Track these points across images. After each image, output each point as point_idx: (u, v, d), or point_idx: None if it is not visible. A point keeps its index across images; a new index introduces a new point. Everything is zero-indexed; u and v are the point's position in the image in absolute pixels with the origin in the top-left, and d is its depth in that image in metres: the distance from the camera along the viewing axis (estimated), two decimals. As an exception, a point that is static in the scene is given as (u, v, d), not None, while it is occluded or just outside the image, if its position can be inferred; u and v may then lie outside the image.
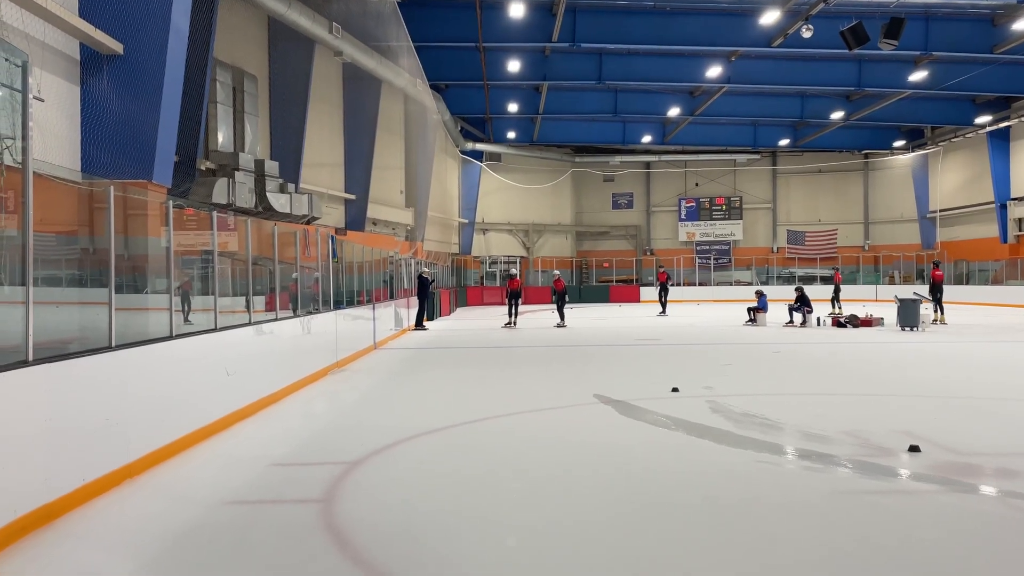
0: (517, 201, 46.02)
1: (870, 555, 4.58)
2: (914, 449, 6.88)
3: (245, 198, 18.04)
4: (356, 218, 27.73)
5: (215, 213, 8.87)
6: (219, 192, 17.15)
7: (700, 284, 45.32)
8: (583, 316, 29.45)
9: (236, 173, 18.06)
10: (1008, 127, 36.85)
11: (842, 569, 4.38)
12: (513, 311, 23.90)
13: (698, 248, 48.80)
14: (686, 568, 4.41)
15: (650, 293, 38.66)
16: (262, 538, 5.00)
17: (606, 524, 5.20)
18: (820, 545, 4.76)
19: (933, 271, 24.08)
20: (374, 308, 17.71)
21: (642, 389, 10.78)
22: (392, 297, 21.31)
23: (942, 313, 23.28)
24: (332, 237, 15.35)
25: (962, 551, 4.64)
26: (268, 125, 22.55)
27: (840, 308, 24.11)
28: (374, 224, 29.85)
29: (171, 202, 7.83)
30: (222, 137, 18.79)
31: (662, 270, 31.61)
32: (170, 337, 7.37)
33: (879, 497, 5.72)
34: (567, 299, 24.60)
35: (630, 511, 5.46)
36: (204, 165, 18.11)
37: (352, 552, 4.68)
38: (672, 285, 31.73)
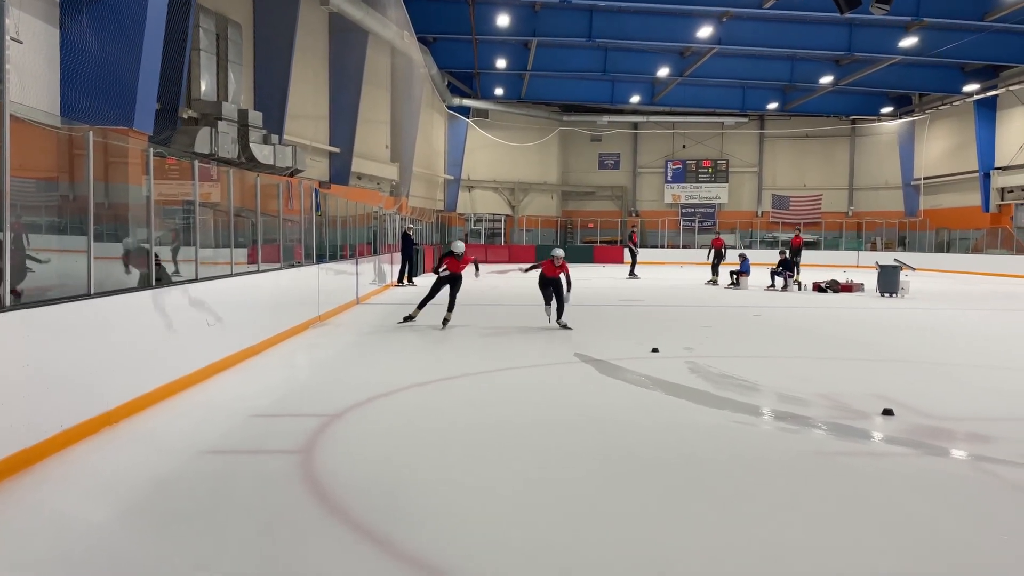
0: (503, 159, 45.71)
1: (841, 512, 4.67)
2: (888, 412, 6.98)
3: (228, 148, 17.80)
4: (340, 172, 27.47)
5: (197, 162, 8.77)
6: (201, 141, 16.90)
7: (684, 247, 45.38)
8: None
9: (219, 123, 17.77)
10: (995, 96, 36.83)
11: (815, 524, 4.47)
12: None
13: (683, 210, 48.77)
14: (661, 520, 4.49)
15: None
16: (240, 487, 5.03)
17: (584, 478, 5.26)
18: (794, 501, 4.84)
19: (794, 238, 24.07)
20: (357, 263, 17.64)
21: (623, 349, 10.85)
22: (376, 252, 21.23)
23: (797, 274, 23.43)
24: (316, 190, 15.23)
25: (931, 511, 4.74)
26: (252, 75, 22.17)
27: (797, 274, 23.28)
28: (359, 178, 29.59)
29: (152, 150, 7.71)
30: (205, 85, 18.46)
31: (634, 231, 31.66)
32: (150, 286, 7.32)
33: (851, 458, 5.83)
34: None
35: (608, 467, 5.53)
36: (186, 113, 17.82)
37: (331, 503, 4.72)
38: (640, 248, 31.44)
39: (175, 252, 12.04)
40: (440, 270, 13.30)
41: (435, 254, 33.29)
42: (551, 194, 48.52)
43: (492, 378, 8.81)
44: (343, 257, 16.86)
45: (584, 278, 28.32)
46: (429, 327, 13.11)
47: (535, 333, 12.73)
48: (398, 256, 23.53)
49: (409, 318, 13.60)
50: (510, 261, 40.03)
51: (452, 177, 42.97)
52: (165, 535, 4.28)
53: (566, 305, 13.27)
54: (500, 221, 45.78)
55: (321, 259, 14.58)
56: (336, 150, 27.33)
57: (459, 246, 13.13)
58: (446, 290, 13.34)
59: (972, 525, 4.55)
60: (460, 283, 13.39)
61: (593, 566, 3.92)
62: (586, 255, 42.71)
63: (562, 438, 6.29)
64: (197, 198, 8.68)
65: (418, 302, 13.82)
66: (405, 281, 23.19)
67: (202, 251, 8.76)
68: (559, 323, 13.11)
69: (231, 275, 9.59)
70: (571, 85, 40.73)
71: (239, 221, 11.06)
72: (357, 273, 17.41)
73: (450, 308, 13.16)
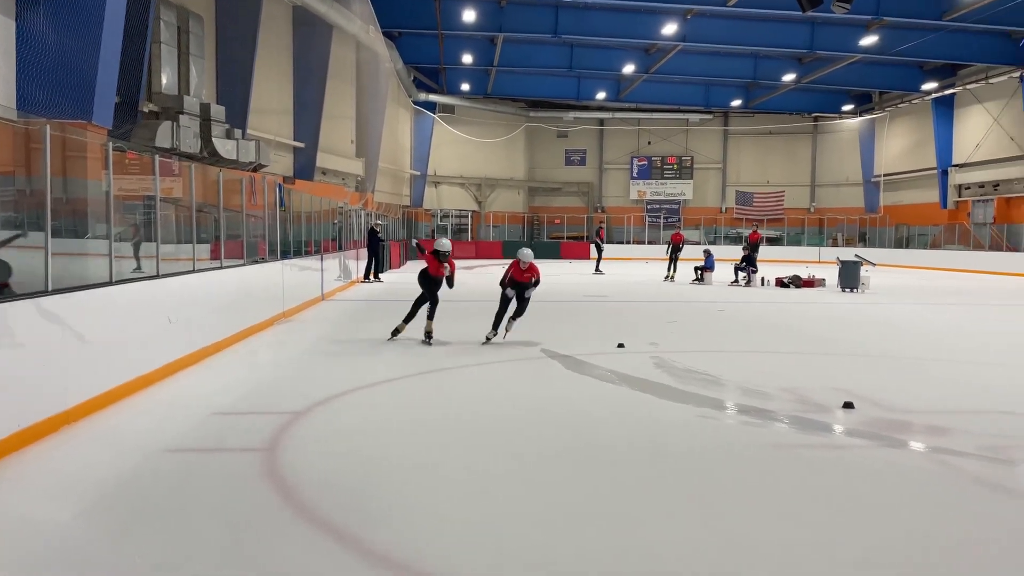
0: (470, 154, 45.63)
1: (804, 504, 4.74)
2: (848, 406, 7.10)
3: (190, 143, 17.55)
4: (305, 167, 27.23)
5: (157, 157, 8.63)
6: (163, 136, 16.65)
7: (650, 242, 45.67)
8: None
9: (180, 117, 17.51)
10: (953, 94, 37.56)
11: (780, 515, 4.53)
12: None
13: (648, 207, 49.09)
14: (634, 514, 4.52)
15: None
16: (203, 486, 4.97)
17: (551, 472, 5.28)
18: (759, 494, 4.91)
19: (751, 234, 24.37)
20: (322, 259, 17.51)
21: (589, 345, 10.90)
22: (341, 248, 21.08)
23: (754, 271, 23.36)
24: (280, 185, 15.08)
25: (891, 502, 4.83)
26: (215, 68, 21.87)
27: (752, 270, 23.23)
28: (323, 174, 29.35)
29: (111, 144, 7.58)
30: (166, 79, 18.17)
31: (600, 227, 31.79)
32: (110, 283, 7.20)
33: (813, 451, 5.91)
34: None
35: (574, 460, 5.55)
36: (147, 107, 17.53)
37: (296, 502, 4.69)
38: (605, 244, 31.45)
39: (136, 248, 11.84)
40: (423, 273, 11.32)
41: (401, 250, 33.13)
42: (518, 190, 48.56)
43: (459, 374, 8.80)
44: (308, 253, 16.72)
45: (551, 274, 28.36)
46: (397, 319, 13.04)
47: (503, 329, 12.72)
48: (364, 252, 23.39)
49: (396, 332, 11.28)
50: (477, 257, 40.02)
51: (418, 173, 42.81)
52: (125, 535, 4.22)
53: (521, 316, 11.39)
54: (467, 217, 45.72)
55: (285, 255, 14.44)
56: (300, 145, 27.08)
57: (445, 244, 11.08)
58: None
59: (931, 516, 4.64)
60: (439, 288, 11.22)
61: (566, 559, 3.94)
62: (552, 251, 42.83)
63: (531, 433, 6.30)
64: (158, 193, 8.55)
65: (406, 314, 11.37)
66: (372, 277, 23.06)
67: (164, 247, 8.63)
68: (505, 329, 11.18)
69: (193, 271, 9.46)
70: (537, 81, 40.81)
71: (201, 217, 10.91)
72: (322, 269, 17.28)
73: (430, 316, 11.08)
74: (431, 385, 8.24)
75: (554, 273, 28.90)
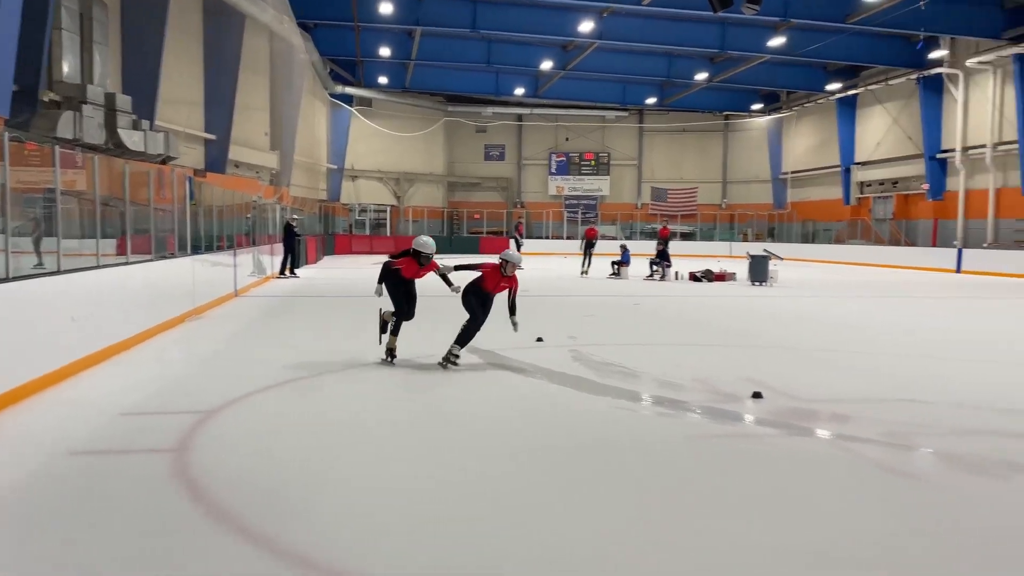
0: (388, 149, 45.19)
1: (717, 491, 4.88)
2: (757, 395, 7.34)
3: (94, 134, 16.85)
4: (216, 160, 26.49)
5: (58, 148, 8.27)
6: (64, 126, 15.94)
7: (568, 237, 46.14)
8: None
9: (84, 106, 16.80)
10: (855, 95, 39.14)
11: (695, 503, 4.65)
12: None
13: (567, 202, 49.60)
14: (553, 505, 4.57)
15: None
16: (110, 489, 4.80)
17: (469, 470, 5.29)
18: (673, 482, 5.03)
19: (661, 230, 25.06)
20: (235, 254, 17.08)
21: (508, 339, 10.92)
22: (255, 243, 20.61)
23: (668, 265, 23.78)
24: (189, 178, 14.65)
25: (798, 486, 5.01)
26: (120, 57, 21.06)
27: (667, 264, 23.59)
28: (236, 167, 28.62)
29: (8, 134, 7.22)
30: (68, 67, 17.40)
31: (519, 222, 31.98)
32: (6, 279, 6.87)
33: (725, 440, 6.09)
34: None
35: (493, 456, 5.58)
36: (47, 96, 16.76)
37: (206, 503, 4.57)
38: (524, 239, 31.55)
39: (36, 243, 11.32)
40: (391, 277, 9.08)
41: (319, 246, 32.59)
42: (437, 185, 48.38)
43: (375, 372, 8.72)
44: (220, 248, 16.28)
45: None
46: (313, 315, 12.82)
47: (423, 323, 12.64)
48: (280, 247, 22.92)
49: (390, 353, 9.09)
50: (396, 252, 39.60)
51: (335, 166, 42.17)
52: (28, 539, 4.04)
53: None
54: (385, 212, 45.27)
55: (196, 250, 14.03)
56: (212, 137, 26.35)
57: (428, 245, 8.96)
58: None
59: (836, 500, 4.83)
60: (415, 299, 9.20)
61: (473, 554, 3.96)
62: (472, 246, 42.79)
63: (446, 430, 6.30)
64: (59, 186, 8.19)
65: (388, 327, 9.19)
66: (288, 273, 22.62)
67: (66, 242, 8.28)
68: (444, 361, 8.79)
69: (98, 267, 9.11)
70: (456, 75, 40.70)
71: (107, 210, 10.51)
72: (235, 265, 16.86)
73: (394, 331, 9.11)
74: (344, 382, 8.14)
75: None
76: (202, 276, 13.78)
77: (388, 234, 44.32)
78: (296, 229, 23.13)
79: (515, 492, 4.84)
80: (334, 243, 39.13)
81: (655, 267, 23.84)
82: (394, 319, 9.05)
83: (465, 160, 49.77)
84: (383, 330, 9.21)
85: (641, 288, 20.67)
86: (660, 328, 12.91)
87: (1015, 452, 5.87)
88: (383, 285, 9.15)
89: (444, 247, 41.16)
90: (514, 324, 8.81)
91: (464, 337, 8.76)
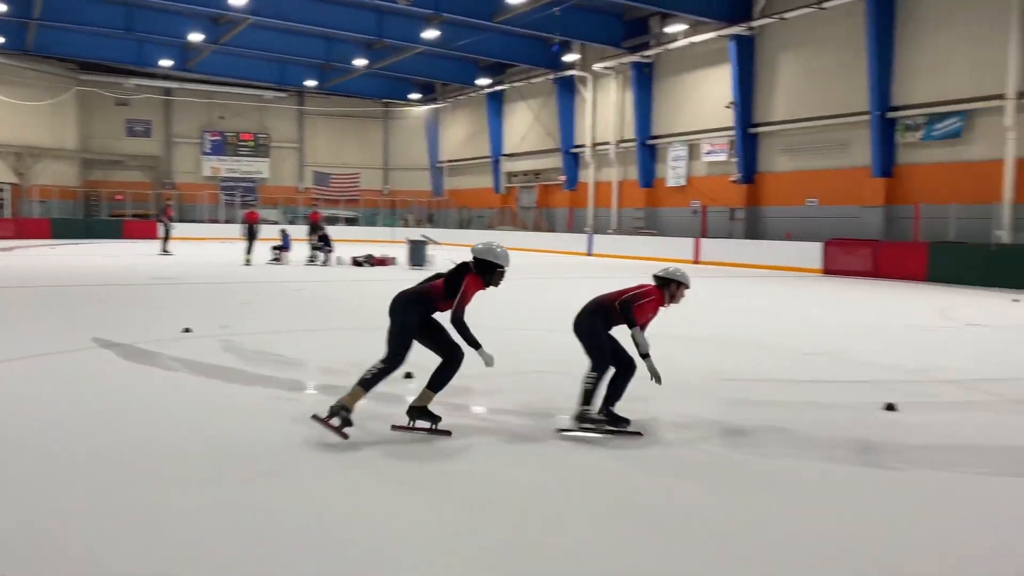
0: (5, 119, 39.36)
1: (373, 474, 5.01)
2: (409, 376, 7.63)
3: None
4: None
5: None
6: None
7: (227, 221, 43.87)
8: (92, 253, 26.78)
9: None
10: (502, 91, 41.99)
11: (347, 486, 4.74)
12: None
13: (223, 184, 47.13)
14: (188, 514, 4.38)
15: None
16: None
17: (97, 481, 4.88)
18: (334, 470, 5.07)
19: (311, 215, 25.96)
20: None
21: (150, 331, 10.20)
22: None
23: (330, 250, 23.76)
24: None
25: (450, 461, 5.32)
26: None
27: (328, 250, 23.47)
28: None
29: None
30: None
31: (168, 204, 29.96)
32: None
33: (380, 422, 6.26)
34: None
35: (128, 465, 5.20)
36: None
37: None
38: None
39: None
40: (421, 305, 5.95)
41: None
42: (70, 161, 43.29)
43: (-10, 373, 7.66)
44: None
45: (111, 255, 25.91)
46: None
47: (45, 317, 11.32)
48: None
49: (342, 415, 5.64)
50: (18, 237, 34.88)
51: (-66, 136, 35.94)
52: None
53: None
54: (3, 191, 39.50)
55: None
56: None
57: (502, 255, 6.18)
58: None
59: (493, 471, 5.19)
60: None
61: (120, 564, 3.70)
62: (114, 230, 39.05)
63: (71, 437, 5.74)
64: None
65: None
66: None
67: None
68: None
69: None
70: (90, 40, 36.65)
71: None
72: None
73: (437, 386, 5.97)
74: (-48, 388, 7.06)
75: (114, 255, 26.48)
76: None
77: (9, 216, 38.84)
78: None
79: (153, 501, 4.56)
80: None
81: (316, 252, 23.63)
82: (381, 368, 5.74)
83: (104, 135, 45.06)
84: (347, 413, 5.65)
85: (303, 274, 20.39)
86: (321, 314, 12.88)
87: (630, 414, 6.76)
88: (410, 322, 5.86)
89: (80, 232, 37.14)
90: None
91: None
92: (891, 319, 13.62)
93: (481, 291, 6.05)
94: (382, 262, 23.50)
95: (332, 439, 5.51)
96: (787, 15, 26.22)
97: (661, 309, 6.18)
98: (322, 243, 23.61)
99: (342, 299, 14.97)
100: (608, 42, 32.84)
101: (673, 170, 32.63)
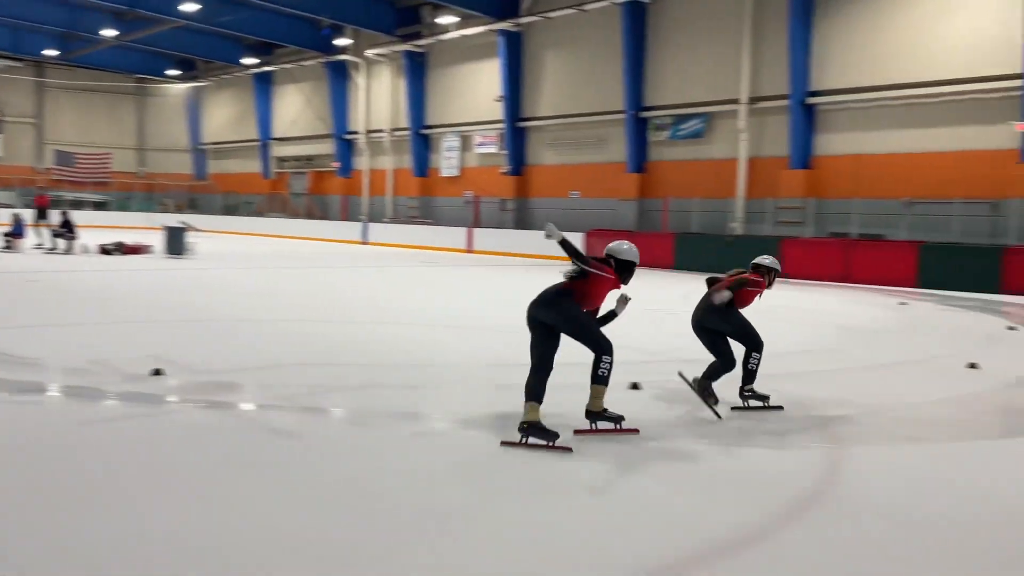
0: None
1: (125, 477, 4.68)
2: (158, 372, 7.20)
3: None
4: None
5: None
6: None
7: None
8: None
9: None
10: (272, 72, 40.40)
11: (110, 490, 4.39)
12: None
13: (-57, 162, 41.61)
14: None
15: None
16: None
17: None
18: (94, 475, 4.67)
19: (37, 198, 24.36)
20: None
21: None
22: None
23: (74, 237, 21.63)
24: None
25: (202, 458, 5.07)
26: None
27: (72, 236, 21.26)
28: None
29: None
30: None
31: None
32: None
33: (125, 422, 5.86)
34: None
35: None
36: None
37: None
38: None
39: None
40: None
41: None
42: None
43: None
44: None
45: None
46: None
47: None
48: None
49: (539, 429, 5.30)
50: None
51: None
52: None
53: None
54: None
55: None
56: None
57: (631, 251, 6.03)
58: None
59: (239, 468, 5.00)
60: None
61: None
62: None
63: None
64: None
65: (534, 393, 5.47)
66: None
67: None
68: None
69: None
70: None
71: None
72: None
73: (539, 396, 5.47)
74: None
75: None
76: None
77: None
78: None
79: None
80: None
81: (60, 239, 21.52)
82: (538, 377, 5.49)
83: None
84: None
85: (40, 263, 18.53)
86: (62, 307, 11.73)
87: (400, 403, 6.80)
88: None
89: None
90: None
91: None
92: (640, 304, 14.72)
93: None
94: (135, 250, 21.83)
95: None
96: (551, 14, 27.42)
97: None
98: (64, 229, 21.52)
99: (85, 290, 13.77)
100: (380, 29, 32.60)
101: (447, 160, 33.10)
